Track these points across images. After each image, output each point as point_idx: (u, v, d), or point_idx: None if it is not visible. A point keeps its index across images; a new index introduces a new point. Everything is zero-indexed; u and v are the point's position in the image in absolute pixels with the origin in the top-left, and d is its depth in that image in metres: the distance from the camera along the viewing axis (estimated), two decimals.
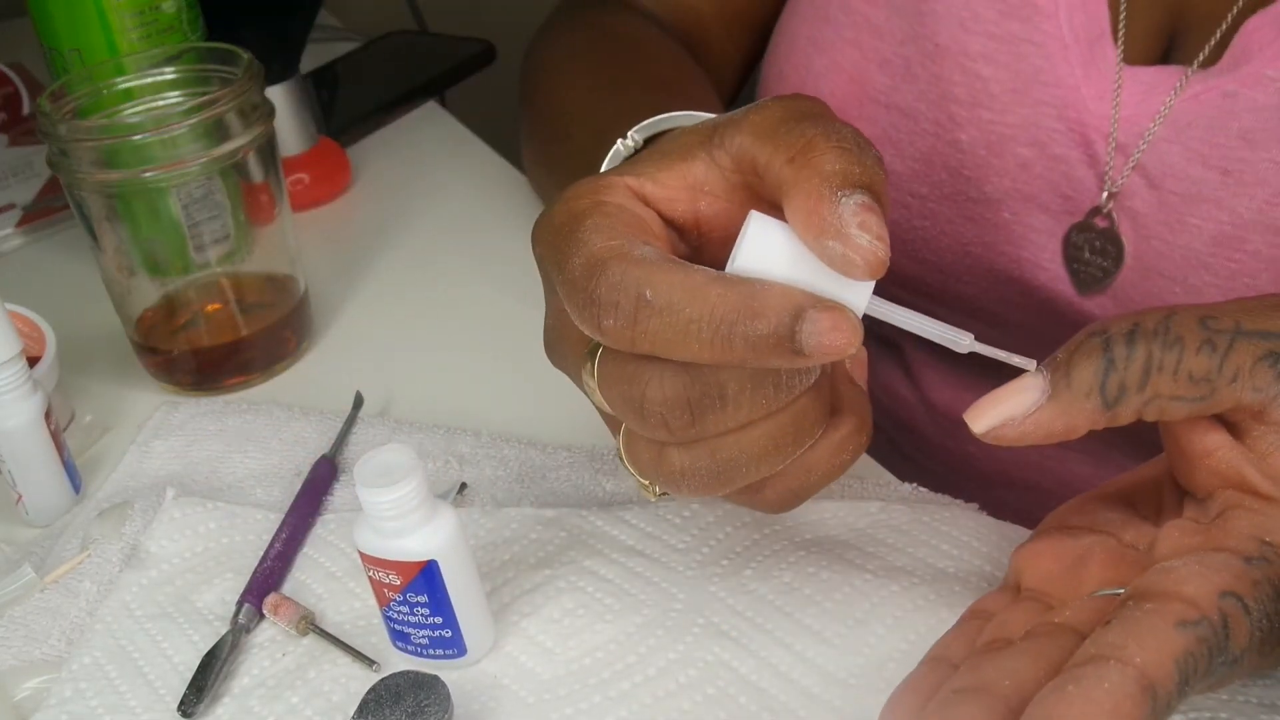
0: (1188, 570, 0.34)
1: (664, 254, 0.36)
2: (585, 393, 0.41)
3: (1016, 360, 0.37)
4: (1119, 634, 0.32)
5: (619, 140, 0.48)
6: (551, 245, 0.38)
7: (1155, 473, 0.42)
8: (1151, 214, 0.53)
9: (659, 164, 0.40)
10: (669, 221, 0.40)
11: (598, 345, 0.38)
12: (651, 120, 0.48)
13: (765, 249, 0.35)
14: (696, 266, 0.35)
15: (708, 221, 0.40)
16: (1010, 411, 0.37)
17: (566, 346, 0.41)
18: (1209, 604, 0.33)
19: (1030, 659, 0.34)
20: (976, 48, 0.56)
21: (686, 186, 0.39)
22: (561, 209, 0.38)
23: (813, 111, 0.38)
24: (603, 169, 0.49)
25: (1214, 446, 0.37)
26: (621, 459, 0.40)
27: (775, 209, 0.36)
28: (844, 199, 0.34)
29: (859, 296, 0.35)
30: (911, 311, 0.37)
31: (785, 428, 0.37)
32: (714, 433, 0.36)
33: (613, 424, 0.41)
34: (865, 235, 0.34)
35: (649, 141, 0.48)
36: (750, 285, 0.34)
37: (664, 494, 0.41)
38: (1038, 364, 0.38)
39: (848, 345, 0.34)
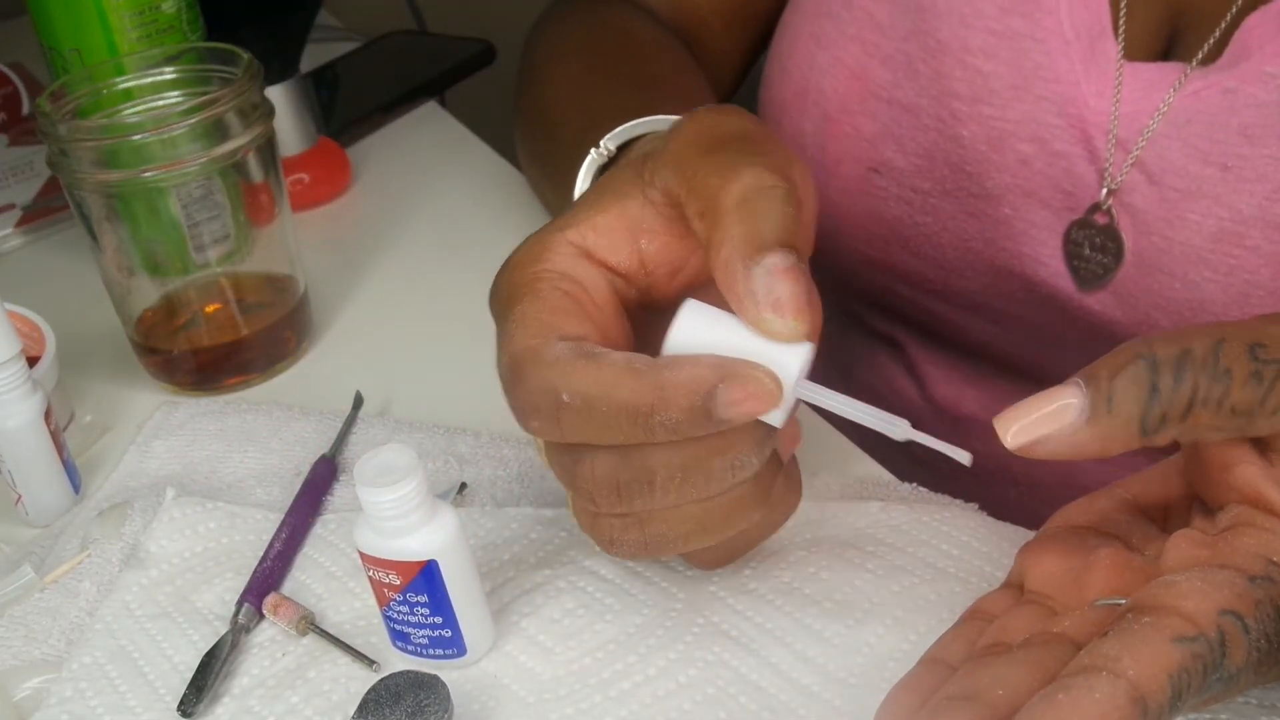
0: (1189, 585, 0.33)
1: (579, 349, 0.37)
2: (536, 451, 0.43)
3: (954, 451, 0.37)
4: (1114, 645, 0.32)
5: (593, 149, 0.49)
6: (495, 318, 0.40)
7: (1165, 475, 0.41)
8: (1151, 210, 0.53)
9: (597, 208, 0.40)
10: (613, 269, 0.41)
11: None
12: (625, 127, 0.49)
13: (694, 326, 0.36)
14: (610, 358, 0.36)
15: (652, 259, 0.41)
16: (1045, 430, 0.35)
17: None
18: (1208, 621, 0.32)
19: (1025, 668, 0.34)
20: (978, 43, 0.56)
21: (625, 228, 0.40)
22: (505, 280, 0.40)
23: (722, 138, 0.38)
24: (578, 182, 0.51)
25: (1234, 461, 0.37)
26: (569, 509, 0.42)
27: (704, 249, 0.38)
28: (755, 270, 0.35)
29: (795, 356, 0.36)
30: (846, 397, 0.37)
31: (714, 512, 0.38)
32: (643, 510, 0.38)
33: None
34: (776, 320, 0.35)
35: (623, 148, 0.49)
36: (659, 373, 0.35)
37: None
38: (1080, 386, 0.35)
39: (764, 407, 0.35)
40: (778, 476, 0.40)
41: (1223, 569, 0.34)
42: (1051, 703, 0.31)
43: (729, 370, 0.35)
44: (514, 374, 0.38)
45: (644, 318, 0.42)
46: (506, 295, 0.40)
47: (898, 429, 0.36)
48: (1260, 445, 0.37)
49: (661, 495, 0.37)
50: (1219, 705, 0.40)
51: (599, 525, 0.40)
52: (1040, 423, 0.35)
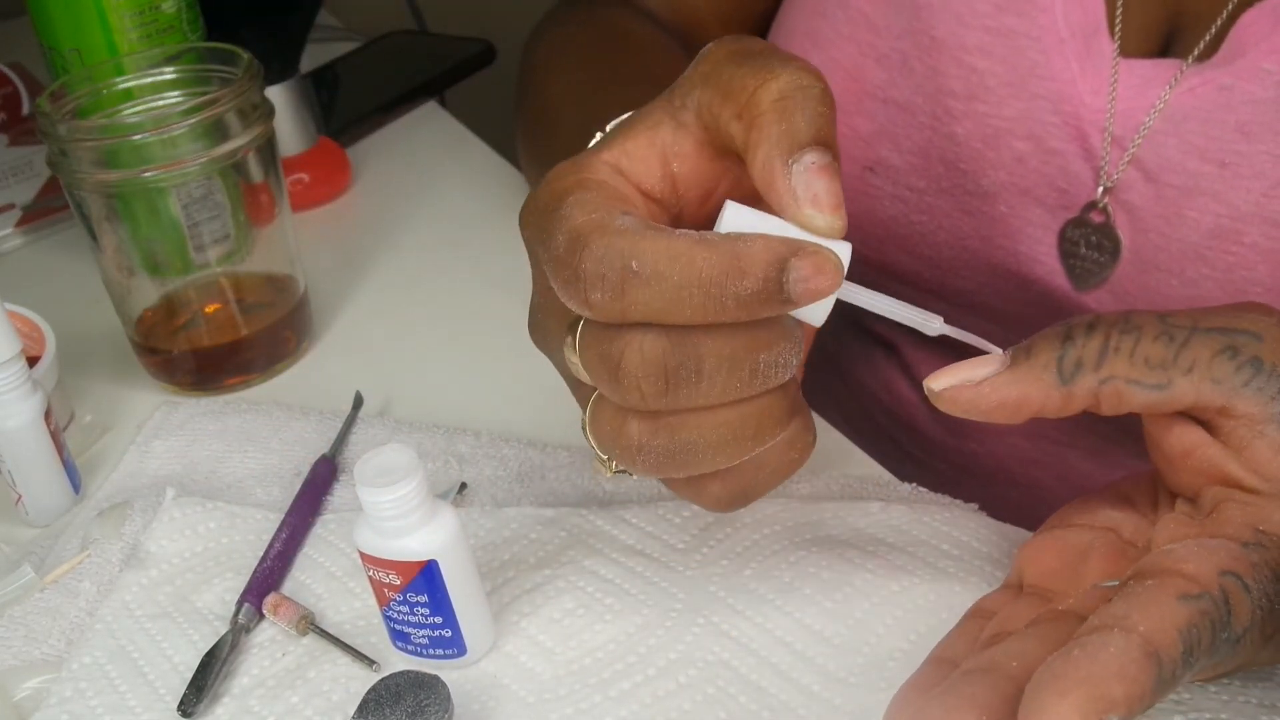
0: (1187, 551, 0.34)
1: (646, 222, 0.36)
2: (559, 367, 0.41)
3: (985, 344, 0.38)
4: (1122, 606, 0.32)
5: (599, 134, 0.48)
6: (536, 226, 0.38)
7: (1156, 475, 0.42)
8: (1148, 207, 0.53)
9: (628, 134, 0.40)
10: (646, 194, 0.40)
11: (579, 317, 0.38)
12: (627, 116, 0.48)
13: (739, 223, 0.36)
14: (679, 231, 0.35)
15: (683, 182, 0.40)
16: (967, 375, 0.38)
17: (551, 322, 0.41)
18: (1210, 580, 0.33)
19: (1036, 641, 0.35)
20: (973, 41, 0.56)
21: (657, 152, 0.40)
22: (545, 190, 0.39)
23: (752, 51, 0.38)
24: None
25: (1193, 445, 0.38)
26: (584, 429, 0.41)
27: (739, 158, 0.38)
28: (794, 167, 0.35)
29: (839, 250, 0.36)
30: (881, 295, 0.37)
31: (748, 420, 0.37)
32: (684, 405, 0.37)
33: (582, 395, 0.42)
34: (819, 215, 0.35)
35: None
36: (733, 243, 0.35)
37: (620, 471, 0.42)
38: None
39: (831, 286, 0.34)
40: (798, 399, 0.40)
41: (1215, 538, 0.35)
42: (1068, 659, 0.31)
43: (799, 245, 0.35)
44: (576, 245, 0.35)
45: None
46: (548, 199, 0.38)
47: (932, 324, 0.37)
48: (1208, 430, 0.38)
49: (707, 387, 0.36)
50: (1220, 706, 0.41)
51: (626, 432, 0.38)
52: (964, 370, 0.38)
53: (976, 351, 0.39)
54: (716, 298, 0.34)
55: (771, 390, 0.37)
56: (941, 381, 0.38)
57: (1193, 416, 0.38)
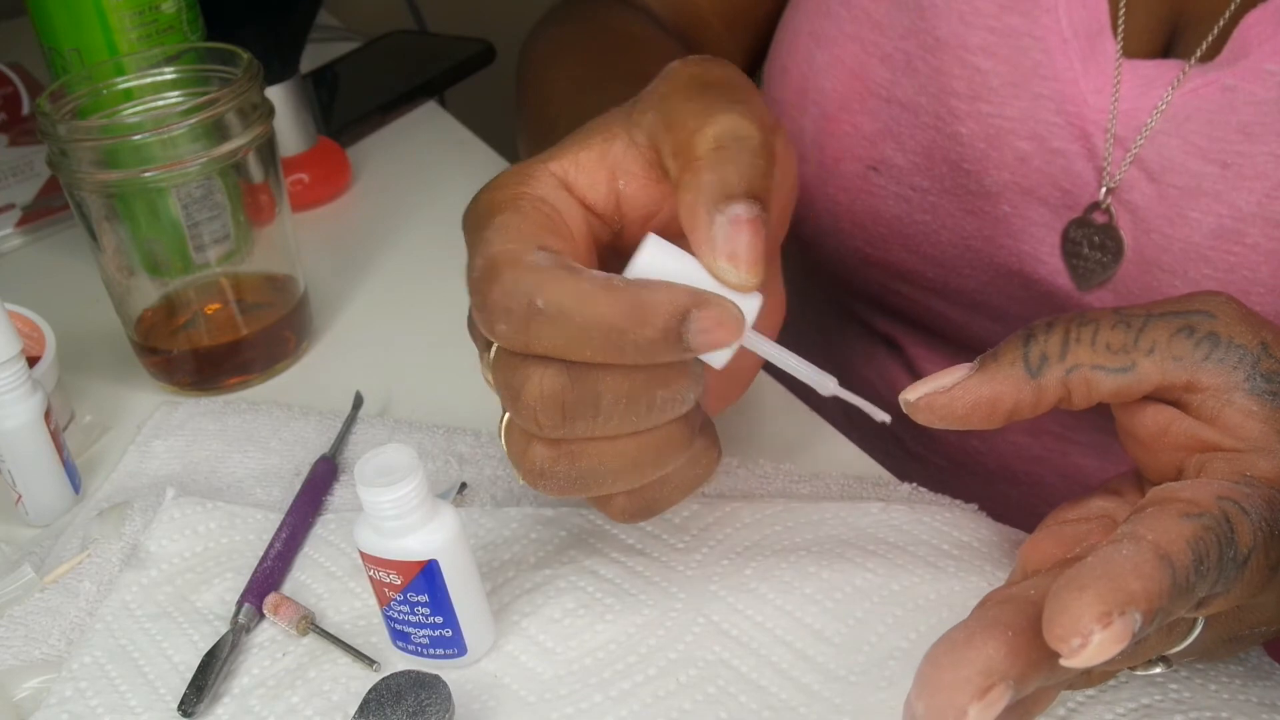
0: (1183, 485, 0.35)
1: (559, 259, 0.37)
2: (483, 372, 0.42)
3: (872, 410, 0.39)
4: (1129, 526, 0.33)
5: None
6: (468, 236, 0.39)
7: (1137, 469, 0.43)
8: (1151, 208, 0.53)
9: (582, 144, 0.40)
10: (589, 208, 0.40)
11: None
12: (589, 122, 0.49)
13: (657, 259, 0.37)
14: (588, 273, 0.36)
15: (628, 201, 0.41)
16: (939, 383, 0.38)
17: (476, 330, 0.42)
18: (1209, 503, 0.34)
19: (1053, 577, 0.35)
20: (976, 41, 0.56)
21: (606, 167, 0.40)
22: (484, 199, 0.40)
23: (707, 84, 0.38)
24: None
25: (1167, 421, 0.39)
26: (500, 436, 0.41)
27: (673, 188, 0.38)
28: (717, 217, 0.35)
29: (747, 305, 0.36)
30: (781, 348, 0.38)
31: (647, 448, 0.38)
32: (582, 436, 0.38)
33: (503, 405, 0.42)
34: (731, 269, 0.36)
35: None
36: (637, 290, 0.35)
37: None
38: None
39: (730, 339, 0.35)
40: (699, 425, 0.41)
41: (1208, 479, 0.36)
42: (1083, 565, 0.32)
43: (703, 298, 0.35)
44: (489, 275, 0.37)
45: (611, 260, 0.42)
46: (484, 210, 0.39)
47: (827, 384, 0.38)
48: (1178, 408, 0.39)
49: (604, 421, 0.37)
50: (1220, 705, 0.40)
51: (530, 455, 0.39)
52: (934, 379, 0.39)
53: (975, 352, 0.39)
54: (616, 342, 0.35)
55: (673, 420, 0.38)
56: (915, 392, 0.39)
57: (1160, 400, 0.39)
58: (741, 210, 0.35)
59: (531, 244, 0.37)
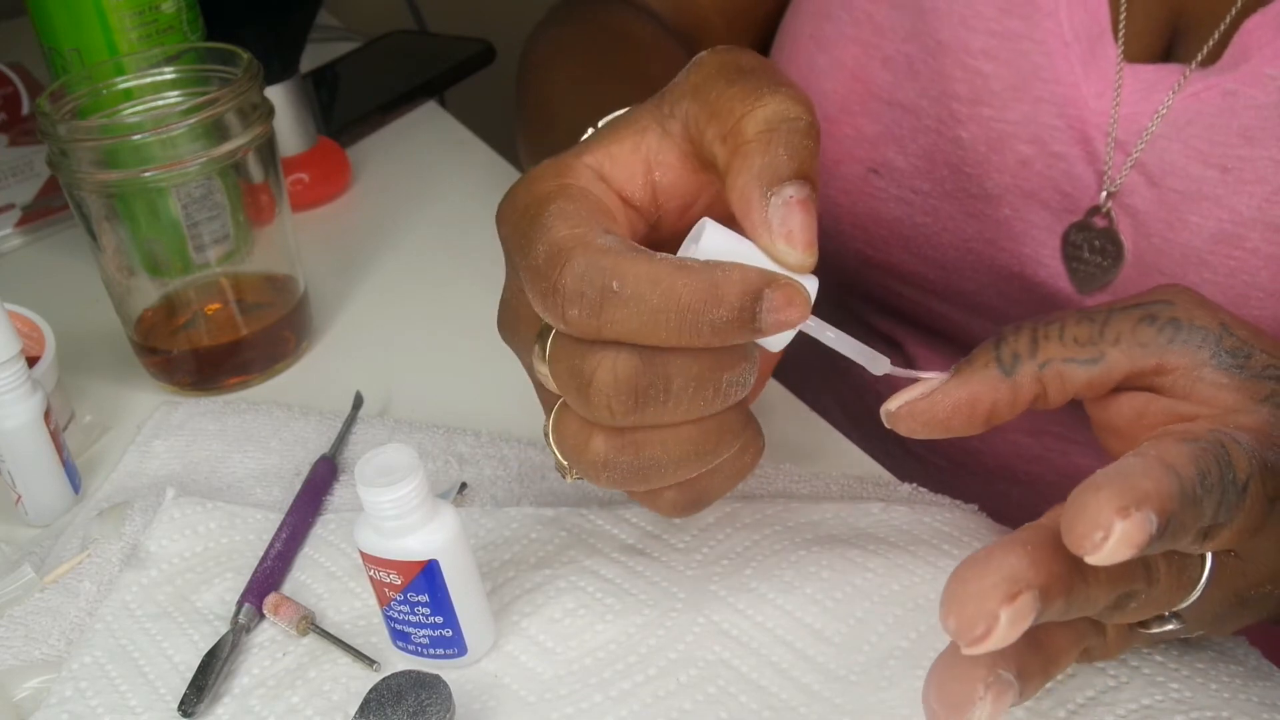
0: (1175, 426, 0.37)
1: (627, 242, 0.36)
2: (529, 370, 0.41)
3: (927, 375, 0.40)
4: (1132, 452, 0.34)
5: (590, 129, 0.48)
6: (515, 228, 0.38)
7: None
8: (1151, 212, 0.53)
9: (614, 138, 0.40)
10: (626, 200, 0.40)
11: (550, 326, 0.39)
12: (619, 114, 0.49)
13: (718, 244, 0.37)
14: (659, 255, 0.36)
15: (664, 192, 0.41)
16: (918, 390, 0.39)
17: (520, 325, 0.42)
18: (1203, 433, 0.35)
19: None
20: (978, 45, 0.56)
21: (641, 160, 0.40)
22: (525, 191, 0.39)
23: (745, 68, 0.38)
24: None
25: (1142, 404, 0.39)
26: (547, 436, 0.41)
27: (721, 176, 0.38)
28: (771, 199, 0.36)
29: (807, 285, 0.37)
30: (837, 331, 0.39)
31: (708, 435, 0.38)
32: (650, 422, 0.37)
33: (546, 401, 0.42)
34: (792, 251, 0.36)
35: None
36: (711, 271, 0.35)
37: (579, 477, 0.42)
38: None
39: (800, 319, 0.35)
40: (750, 411, 0.41)
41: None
42: (1096, 474, 0.32)
43: (773, 277, 0.35)
44: (556, 259, 0.36)
45: None
46: (530, 201, 0.38)
47: (879, 365, 0.39)
48: (1152, 392, 0.40)
49: (674, 405, 0.37)
50: (1221, 705, 0.40)
51: (591, 447, 0.39)
52: (912, 389, 0.40)
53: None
54: (692, 323, 0.35)
55: (730, 407, 0.38)
56: (895, 401, 0.40)
57: (1132, 388, 0.40)
58: (794, 191, 0.36)
59: (598, 226, 0.37)
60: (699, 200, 0.42)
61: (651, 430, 0.38)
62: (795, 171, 0.36)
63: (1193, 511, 0.33)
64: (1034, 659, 0.36)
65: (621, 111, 0.47)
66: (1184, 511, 0.32)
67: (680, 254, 0.37)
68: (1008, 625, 0.32)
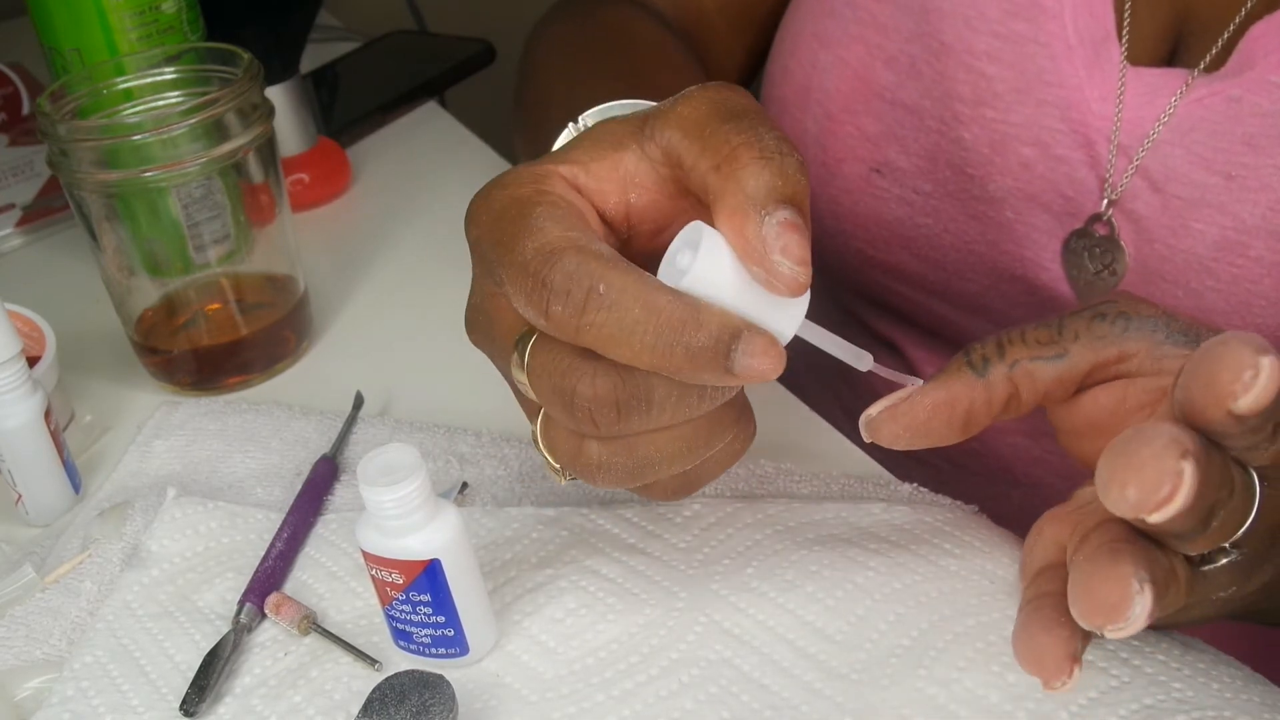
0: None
1: (621, 256, 0.36)
2: (506, 376, 0.42)
3: (907, 379, 0.42)
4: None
5: (570, 124, 0.48)
6: (494, 229, 0.39)
7: None
8: (1154, 217, 0.53)
9: (592, 153, 0.40)
10: (600, 214, 0.41)
11: (529, 334, 0.39)
12: (605, 106, 0.48)
13: (721, 256, 0.36)
14: (646, 273, 0.36)
15: (638, 213, 0.41)
16: (896, 397, 0.42)
17: (495, 330, 0.42)
18: None
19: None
20: (981, 46, 0.56)
21: (618, 178, 0.40)
22: (501, 195, 0.39)
23: (738, 109, 0.38)
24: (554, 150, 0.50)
25: (1120, 390, 0.41)
26: (535, 441, 0.41)
27: (701, 206, 0.38)
28: (766, 219, 0.36)
29: (795, 310, 0.37)
30: (824, 330, 0.39)
31: (701, 431, 0.39)
32: (638, 430, 0.38)
33: (530, 409, 0.42)
34: (786, 262, 0.35)
35: None
36: (696, 301, 0.35)
37: (574, 478, 0.42)
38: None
39: (773, 371, 0.35)
40: (739, 396, 0.41)
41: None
42: (1206, 344, 0.33)
43: (754, 326, 0.36)
44: (548, 257, 0.36)
45: None
46: (509, 204, 0.39)
47: (863, 361, 0.40)
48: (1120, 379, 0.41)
49: (658, 414, 0.37)
50: (1222, 704, 0.40)
51: (585, 452, 0.39)
52: (891, 397, 0.42)
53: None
54: (668, 342, 0.35)
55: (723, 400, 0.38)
56: (875, 407, 0.41)
57: (1100, 382, 0.41)
58: (788, 215, 0.36)
59: (591, 234, 0.37)
60: (672, 226, 0.42)
61: (643, 433, 0.38)
62: (789, 198, 0.36)
63: (1219, 465, 0.33)
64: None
65: (606, 110, 0.47)
66: (1209, 459, 0.33)
67: (669, 256, 0.37)
68: (1191, 480, 0.32)
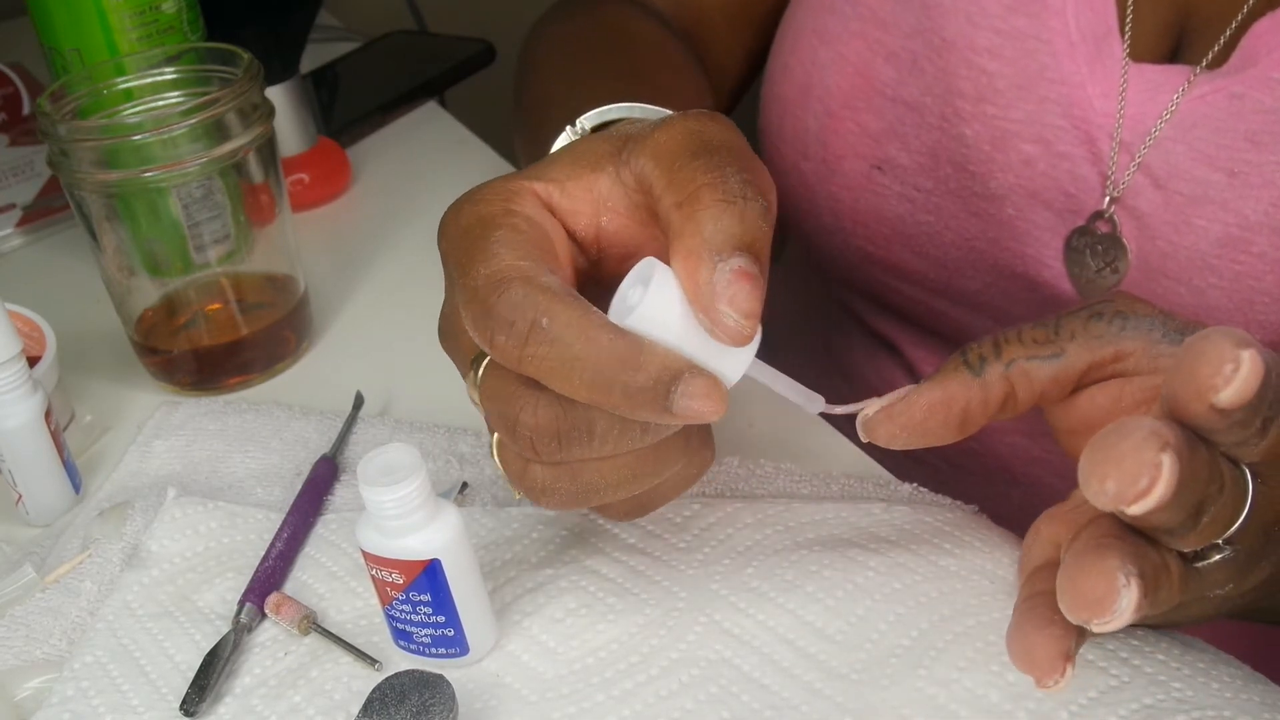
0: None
1: (569, 289, 0.37)
2: (467, 387, 0.42)
3: (855, 407, 0.42)
4: None
5: (568, 127, 0.48)
6: (456, 246, 0.39)
7: None
8: (1157, 214, 0.53)
9: (569, 171, 0.40)
10: (571, 234, 0.41)
11: (482, 356, 0.39)
12: (603, 109, 0.49)
13: (669, 294, 0.36)
14: (596, 310, 0.36)
15: (608, 237, 0.41)
16: (893, 397, 0.42)
17: (459, 342, 0.42)
18: None
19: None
20: (983, 43, 0.56)
21: (591, 200, 0.40)
22: (470, 211, 0.39)
23: (712, 144, 0.38)
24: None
25: (1117, 390, 0.41)
26: (493, 455, 0.42)
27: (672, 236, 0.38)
28: (720, 265, 0.35)
29: (743, 354, 0.37)
30: (777, 372, 0.39)
31: (646, 460, 0.39)
32: (580, 459, 0.38)
33: (487, 421, 0.42)
34: (731, 313, 0.35)
35: (600, 131, 0.48)
36: (639, 340, 0.35)
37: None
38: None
39: (714, 414, 0.35)
40: (692, 428, 0.41)
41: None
42: (1194, 336, 0.33)
43: (697, 368, 0.36)
44: (496, 286, 0.36)
45: (586, 289, 0.42)
46: (474, 222, 0.39)
47: (814, 404, 0.41)
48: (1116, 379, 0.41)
49: (599, 445, 0.37)
50: (1223, 704, 0.40)
51: (530, 474, 0.40)
52: (887, 399, 0.42)
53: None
54: (606, 380, 0.35)
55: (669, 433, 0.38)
56: (872, 407, 0.41)
57: (1096, 382, 0.41)
58: (743, 264, 0.35)
59: (543, 265, 0.37)
60: (641, 252, 0.42)
61: (586, 460, 0.38)
62: (746, 245, 0.36)
63: (1273, 386, 0.33)
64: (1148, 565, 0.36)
65: (605, 112, 0.47)
66: (1272, 372, 0.32)
67: (621, 291, 0.37)
68: (1170, 472, 0.32)
